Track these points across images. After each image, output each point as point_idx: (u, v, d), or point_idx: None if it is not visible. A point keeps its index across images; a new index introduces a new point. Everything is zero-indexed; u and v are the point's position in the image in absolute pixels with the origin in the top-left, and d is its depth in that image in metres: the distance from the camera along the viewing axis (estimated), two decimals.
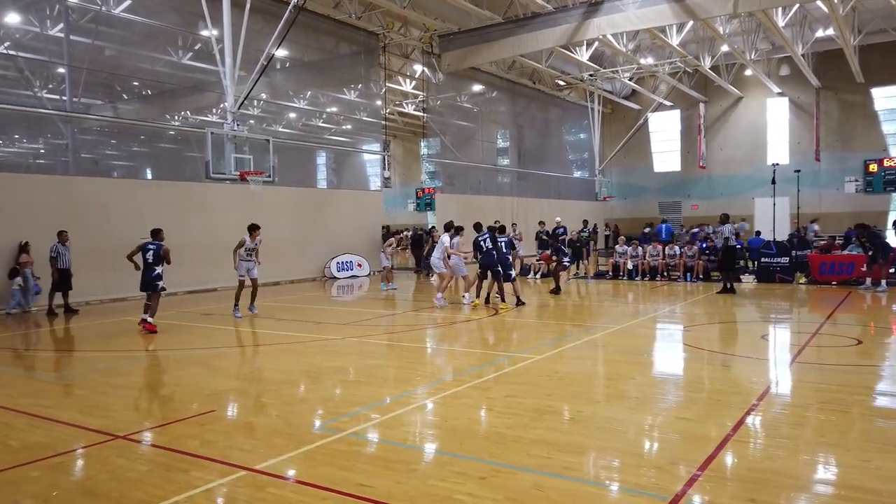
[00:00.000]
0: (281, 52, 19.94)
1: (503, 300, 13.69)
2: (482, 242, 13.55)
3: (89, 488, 4.51)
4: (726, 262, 16.04)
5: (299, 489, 4.43)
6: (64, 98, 16.49)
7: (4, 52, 15.77)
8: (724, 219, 15.97)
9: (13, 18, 16.24)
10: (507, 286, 13.89)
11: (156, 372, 8.76)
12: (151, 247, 11.35)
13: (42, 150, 18.67)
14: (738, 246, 18.31)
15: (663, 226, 26.91)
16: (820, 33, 27.76)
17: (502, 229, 15.73)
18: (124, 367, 8.71)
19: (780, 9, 23.25)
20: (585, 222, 22.35)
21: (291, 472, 4.76)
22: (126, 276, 15.94)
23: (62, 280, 13.85)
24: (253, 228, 13.09)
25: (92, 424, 5.95)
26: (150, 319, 11.25)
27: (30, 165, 18.53)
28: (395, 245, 16.77)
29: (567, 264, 16.32)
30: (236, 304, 13.07)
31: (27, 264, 14.02)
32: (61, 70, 16.62)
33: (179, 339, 10.92)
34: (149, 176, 20.83)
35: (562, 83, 34.54)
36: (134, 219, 16.21)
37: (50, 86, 16.74)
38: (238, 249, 12.95)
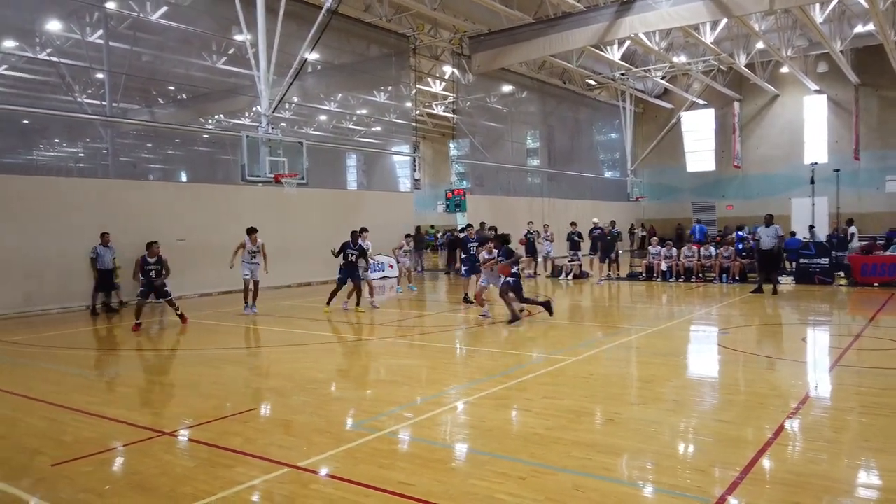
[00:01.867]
0: (313, 56, 20.17)
1: (358, 304, 13.92)
2: (349, 254, 13.76)
3: (139, 483, 4.65)
4: (763, 263, 15.85)
5: (342, 486, 4.50)
6: (103, 103, 16.90)
7: (47, 58, 16.24)
8: (769, 219, 15.69)
9: (55, 26, 16.72)
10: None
11: (196, 370, 8.94)
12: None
13: (82, 154, 19.16)
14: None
15: (697, 226, 26.58)
16: (859, 29, 27.09)
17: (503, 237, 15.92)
18: (166, 366, 8.92)
19: (817, 4, 22.81)
20: (613, 223, 22.18)
21: (333, 470, 4.84)
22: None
23: (102, 280, 14.22)
24: (251, 231, 13.53)
25: (139, 421, 6.12)
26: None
27: (70, 169, 19.03)
28: (405, 246, 17.05)
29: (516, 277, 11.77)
30: (247, 302, 13.60)
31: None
32: (100, 76, 17.05)
33: (218, 338, 11.13)
34: (183, 178, 21.24)
35: (592, 83, 34.32)
36: (170, 221, 16.60)
37: (89, 91, 17.16)
38: (238, 250, 13.42)
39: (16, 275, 14.06)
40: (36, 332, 12.00)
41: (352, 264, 13.79)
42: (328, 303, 13.74)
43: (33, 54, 16.45)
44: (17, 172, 15.77)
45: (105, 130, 17.16)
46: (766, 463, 4.81)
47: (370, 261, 14.56)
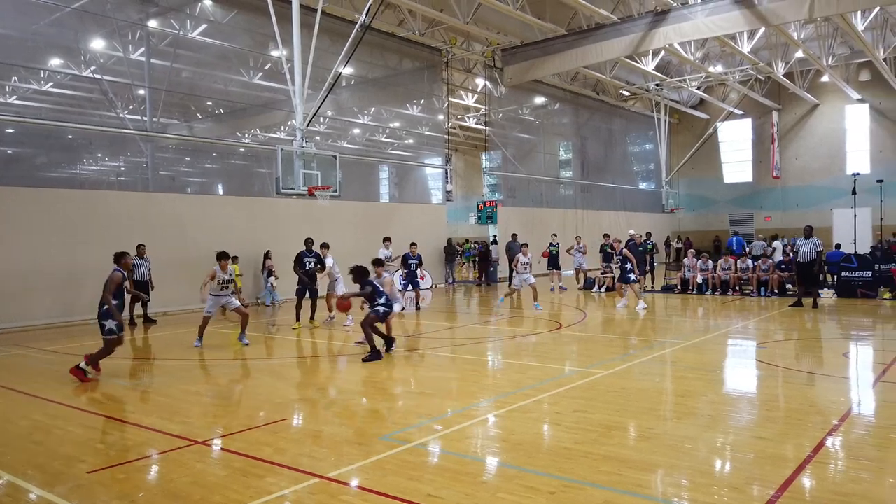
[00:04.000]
0: (347, 70, 20.45)
1: (312, 318, 13.71)
2: (306, 262, 13.48)
3: (172, 491, 4.71)
4: (803, 276, 15.41)
5: (370, 497, 4.50)
6: (144, 118, 17.38)
7: (90, 75, 16.74)
8: (808, 231, 15.28)
9: (98, 44, 17.25)
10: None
11: (230, 380, 9.06)
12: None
13: (123, 168, 19.64)
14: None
15: (734, 238, 26.08)
16: None
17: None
18: (201, 376, 9.05)
19: (859, 12, 22.32)
20: (649, 234, 21.90)
21: (362, 481, 4.84)
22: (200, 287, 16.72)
23: (139, 291, 14.49)
24: (222, 257, 10.98)
25: (172, 430, 6.21)
26: (82, 365, 8.61)
27: (112, 182, 19.53)
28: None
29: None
30: (200, 336, 11.15)
31: (271, 267, 17.83)
32: (142, 92, 17.53)
33: (251, 349, 11.25)
34: (220, 191, 21.65)
35: (626, 94, 34.09)
36: (207, 232, 16.92)
37: (131, 107, 17.64)
38: (209, 283, 10.95)
39: (56, 285, 14.47)
40: (74, 341, 12.29)
41: (309, 274, 13.33)
42: (297, 318, 13.50)
43: (78, 72, 16.98)
44: (61, 186, 16.26)
45: (145, 145, 17.61)
46: (805, 481, 4.67)
47: (336, 275, 14.00)
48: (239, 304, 11.24)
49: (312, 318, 13.61)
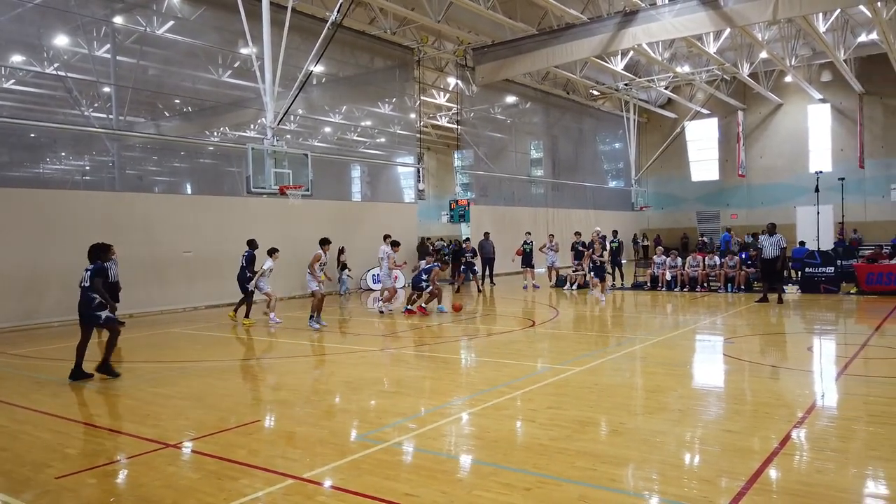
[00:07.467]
0: (318, 68, 20.29)
1: (247, 316, 13.87)
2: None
3: (144, 495, 4.64)
4: (767, 272, 15.75)
5: (346, 498, 4.49)
6: (110, 116, 17.02)
7: (54, 72, 16.37)
8: (772, 229, 15.62)
9: (62, 41, 16.86)
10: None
11: (201, 382, 8.93)
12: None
13: (88, 167, 19.24)
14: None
15: (725, 234, 26.81)
16: (863, 38, 27.18)
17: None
18: (171, 378, 8.92)
19: (820, 14, 22.88)
20: (615, 232, 22.17)
21: (337, 481, 4.83)
22: (169, 288, 16.50)
23: (110, 293, 14.22)
24: (324, 242, 13.76)
25: (143, 433, 6.12)
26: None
27: (77, 182, 19.13)
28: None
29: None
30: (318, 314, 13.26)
31: (345, 261, 20.54)
32: (107, 89, 17.17)
33: (222, 350, 11.13)
34: (189, 191, 21.34)
35: (596, 93, 34.46)
36: (175, 233, 16.68)
37: (96, 105, 17.26)
38: (315, 264, 13.28)
39: (19, 287, 14.13)
40: (39, 344, 12.05)
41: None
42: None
43: (41, 69, 16.58)
44: (24, 185, 15.87)
45: (111, 143, 17.27)
46: (772, 473, 4.78)
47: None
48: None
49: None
